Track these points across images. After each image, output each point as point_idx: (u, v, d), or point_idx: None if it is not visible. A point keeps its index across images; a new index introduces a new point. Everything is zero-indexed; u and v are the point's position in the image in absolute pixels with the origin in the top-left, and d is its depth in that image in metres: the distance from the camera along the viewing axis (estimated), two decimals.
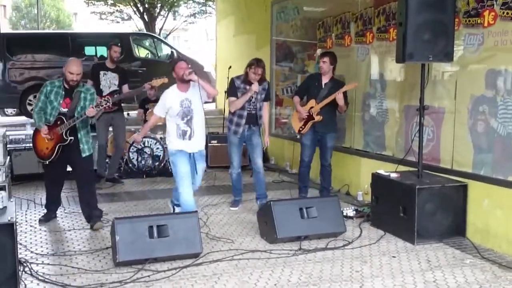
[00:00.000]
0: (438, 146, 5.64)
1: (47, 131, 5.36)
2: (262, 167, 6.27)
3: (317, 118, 6.29)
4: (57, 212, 5.94)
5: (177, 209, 5.67)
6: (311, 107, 6.34)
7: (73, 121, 5.31)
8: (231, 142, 6.19)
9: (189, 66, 5.39)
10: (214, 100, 9.08)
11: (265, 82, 6.15)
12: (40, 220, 5.74)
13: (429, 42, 5.04)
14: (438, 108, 5.61)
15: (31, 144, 8.20)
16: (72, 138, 5.37)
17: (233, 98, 6.08)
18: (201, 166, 5.50)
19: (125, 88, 7.48)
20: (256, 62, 5.97)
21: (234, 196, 6.42)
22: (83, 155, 5.47)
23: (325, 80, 6.34)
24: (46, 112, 5.41)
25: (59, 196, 5.94)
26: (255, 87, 5.94)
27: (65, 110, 5.38)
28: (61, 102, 5.38)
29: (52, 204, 5.84)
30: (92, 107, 5.25)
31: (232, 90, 6.10)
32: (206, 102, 5.58)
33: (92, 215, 5.57)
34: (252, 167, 6.29)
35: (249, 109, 6.05)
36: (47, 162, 5.50)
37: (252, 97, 6.01)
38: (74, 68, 5.32)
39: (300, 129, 6.42)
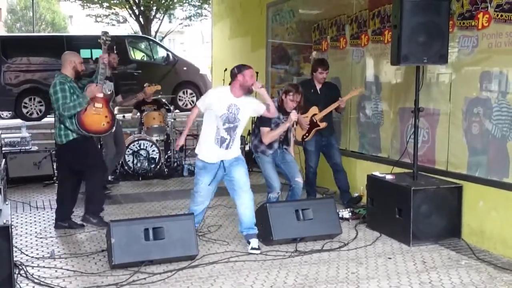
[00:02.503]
0: (433, 147, 5.66)
1: (96, 87, 5.35)
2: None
3: (322, 125, 6.24)
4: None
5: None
6: (314, 114, 6.26)
7: (101, 73, 5.41)
8: (265, 162, 5.62)
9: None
10: None
11: (296, 109, 5.66)
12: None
13: (424, 45, 5.06)
14: (433, 110, 5.63)
15: (27, 147, 8.32)
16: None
17: (267, 129, 5.51)
18: (240, 171, 4.98)
19: (119, 98, 7.44)
20: (295, 89, 5.54)
21: None
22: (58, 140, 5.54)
23: (319, 85, 6.33)
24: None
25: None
26: (294, 116, 5.46)
27: None
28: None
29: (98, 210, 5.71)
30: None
31: (266, 119, 5.43)
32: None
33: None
34: (291, 186, 5.77)
35: (281, 137, 5.67)
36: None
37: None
38: (80, 57, 5.55)
39: (304, 137, 6.33)
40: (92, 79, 5.56)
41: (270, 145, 5.62)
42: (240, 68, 4.91)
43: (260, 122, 5.59)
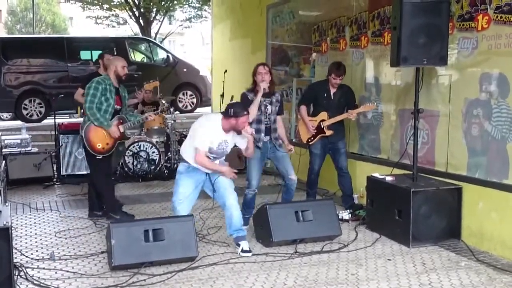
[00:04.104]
0: (433, 149, 5.66)
1: (117, 131, 5.68)
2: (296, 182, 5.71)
3: (329, 133, 6.18)
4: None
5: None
6: (322, 120, 6.21)
7: (136, 122, 5.95)
8: (252, 157, 5.51)
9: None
10: (210, 105, 8.96)
11: (278, 93, 5.74)
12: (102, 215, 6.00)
13: (424, 46, 5.06)
14: (432, 112, 5.63)
15: (27, 148, 8.32)
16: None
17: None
18: (224, 178, 5.03)
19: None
20: (262, 65, 5.61)
21: (243, 214, 5.53)
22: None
23: (333, 90, 6.22)
24: (100, 109, 5.59)
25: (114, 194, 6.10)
26: (264, 84, 5.39)
27: (118, 107, 5.73)
28: (115, 99, 5.66)
29: (116, 205, 6.00)
30: (153, 113, 6.21)
31: (244, 102, 5.44)
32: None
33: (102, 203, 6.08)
34: (286, 183, 5.71)
35: (265, 122, 5.56)
36: (101, 157, 5.72)
37: (267, 109, 5.55)
38: (124, 61, 5.76)
39: (309, 140, 6.30)
40: (131, 113, 6.18)
41: (258, 131, 5.47)
42: (237, 112, 4.87)
43: None
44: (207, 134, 4.94)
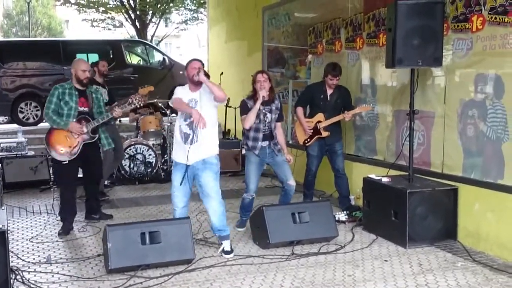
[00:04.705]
0: (429, 150, 5.68)
1: (80, 127, 5.49)
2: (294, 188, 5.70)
3: (325, 134, 6.20)
4: (73, 223, 5.75)
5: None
6: (318, 121, 6.23)
7: (101, 120, 5.58)
8: (250, 161, 5.57)
9: (202, 67, 4.92)
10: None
11: (277, 101, 5.67)
12: (59, 233, 5.55)
13: (418, 47, 5.08)
14: (428, 113, 5.65)
15: (23, 152, 8.30)
16: (97, 135, 5.66)
17: (243, 116, 5.52)
18: (207, 176, 4.87)
19: (116, 109, 7.37)
20: (260, 72, 5.58)
21: (241, 217, 5.78)
22: (105, 149, 5.91)
23: (329, 91, 6.23)
24: (61, 114, 5.50)
25: (74, 204, 5.76)
26: (263, 93, 5.36)
27: (84, 109, 5.59)
28: (77, 101, 5.55)
29: (68, 214, 5.66)
30: (118, 107, 5.76)
31: (243, 109, 5.51)
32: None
33: (99, 206, 6.14)
34: (284, 188, 5.71)
35: (264, 130, 5.51)
36: (67, 162, 5.53)
37: (267, 117, 5.51)
38: (84, 65, 5.64)
39: (306, 141, 6.32)
40: (102, 108, 5.80)
41: (255, 139, 5.50)
42: (187, 62, 4.99)
43: (240, 113, 5.60)
44: (176, 92, 5.00)
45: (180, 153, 4.93)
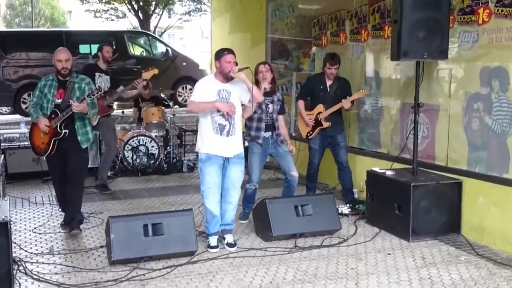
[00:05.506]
0: (433, 143, 5.65)
1: (48, 122, 5.08)
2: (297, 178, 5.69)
3: (326, 124, 6.17)
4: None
5: (211, 239, 4.87)
6: (319, 113, 6.22)
7: (66, 114, 5.04)
8: (253, 152, 5.55)
9: (235, 61, 4.73)
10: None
11: (279, 93, 5.73)
12: (61, 224, 5.44)
13: (424, 40, 5.04)
14: (433, 106, 5.62)
15: (25, 143, 8.29)
16: (67, 131, 5.11)
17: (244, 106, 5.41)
18: (238, 171, 4.86)
19: (120, 88, 7.32)
20: (261, 63, 5.57)
21: (244, 209, 5.74)
22: (83, 146, 5.24)
23: (329, 82, 6.21)
24: (42, 107, 5.21)
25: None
26: (265, 83, 5.33)
27: (59, 101, 5.15)
28: (54, 93, 5.16)
29: (63, 206, 5.54)
30: (77, 101, 4.98)
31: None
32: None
33: (74, 218, 5.26)
34: (287, 179, 5.72)
35: (266, 120, 5.52)
36: (44, 158, 5.32)
37: (269, 107, 5.51)
38: (61, 55, 5.15)
39: (308, 134, 6.30)
40: (79, 95, 5.17)
41: (258, 129, 5.50)
42: (219, 54, 4.73)
43: None
44: (198, 86, 4.83)
45: (217, 145, 4.74)
